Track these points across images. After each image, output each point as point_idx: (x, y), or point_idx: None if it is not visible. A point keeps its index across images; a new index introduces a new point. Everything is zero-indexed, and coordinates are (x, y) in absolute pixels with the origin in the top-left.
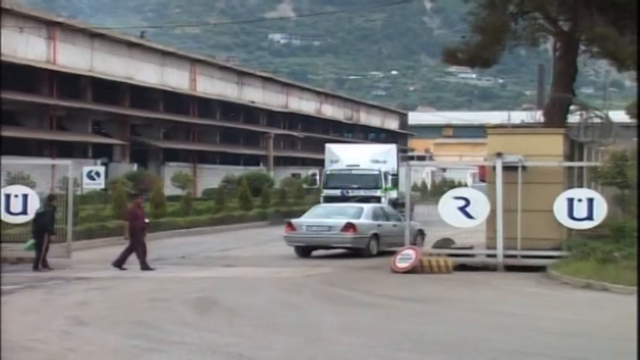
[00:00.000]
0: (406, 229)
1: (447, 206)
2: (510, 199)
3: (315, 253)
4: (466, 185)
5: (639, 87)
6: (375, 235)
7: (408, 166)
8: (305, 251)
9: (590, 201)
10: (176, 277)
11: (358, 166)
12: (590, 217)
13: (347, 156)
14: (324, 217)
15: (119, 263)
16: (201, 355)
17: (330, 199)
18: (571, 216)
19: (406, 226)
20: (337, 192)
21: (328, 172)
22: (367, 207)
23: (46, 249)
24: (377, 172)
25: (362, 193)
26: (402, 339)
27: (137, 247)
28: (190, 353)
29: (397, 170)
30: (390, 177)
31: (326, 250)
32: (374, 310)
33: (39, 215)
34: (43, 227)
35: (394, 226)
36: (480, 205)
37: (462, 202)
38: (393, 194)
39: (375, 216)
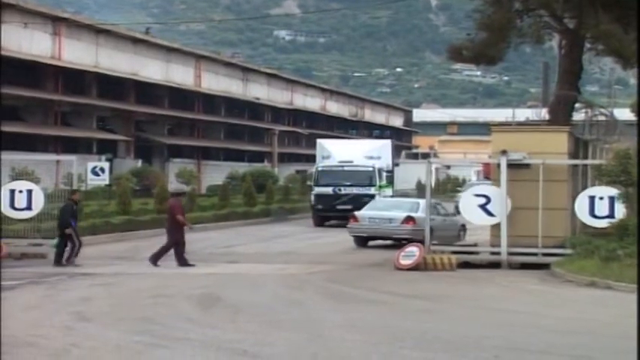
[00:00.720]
0: (426, 226)
1: (468, 204)
2: (514, 197)
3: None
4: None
5: (639, 86)
6: (430, 228)
7: (429, 162)
8: (364, 241)
9: (612, 199)
10: (180, 273)
11: (351, 162)
12: (611, 215)
13: (339, 152)
14: (384, 210)
15: (155, 259)
16: (205, 352)
17: (321, 198)
18: (592, 214)
19: (426, 223)
20: (329, 189)
21: (320, 169)
22: (422, 201)
23: (66, 244)
24: (371, 169)
25: (355, 190)
26: (405, 336)
27: (176, 244)
28: (194, 349)
29: (392, 167)
30: (384, 174)
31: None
32: (377, 308)
33: (60, 210)
34: (63, 222)
35: (444, 220)
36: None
37: (483, 200)
38: (388, 192)
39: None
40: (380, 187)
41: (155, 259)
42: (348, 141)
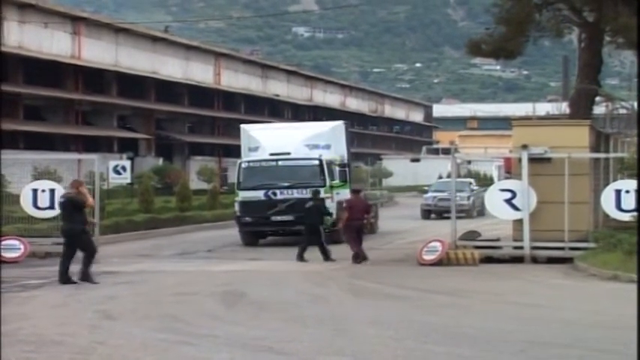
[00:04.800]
0: (452, 220)
1: (493, 198)
2: (535, 191)
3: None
4: (491, 178)
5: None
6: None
7: (453, 157)
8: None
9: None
10: (203, 270)
11: (288, 154)
12: (638, 209)
13: (271, 140)
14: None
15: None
16: (230, 348)
17: (248, 207)
18: (619, 207)
19: (452, 218)
20: (259, 194)
21: (244, 166)
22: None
23: None
24: (316, 163)
25: (295, 194)
26: (429, 331)
27: (355, 241)
28: (219, 346)
29: (348, 159)
30: (337, 169)
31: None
32: (401, 303)
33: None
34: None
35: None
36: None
37: (509, 195)
38: (344, 194)
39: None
40: (331, 187)
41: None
42: (282, 125)
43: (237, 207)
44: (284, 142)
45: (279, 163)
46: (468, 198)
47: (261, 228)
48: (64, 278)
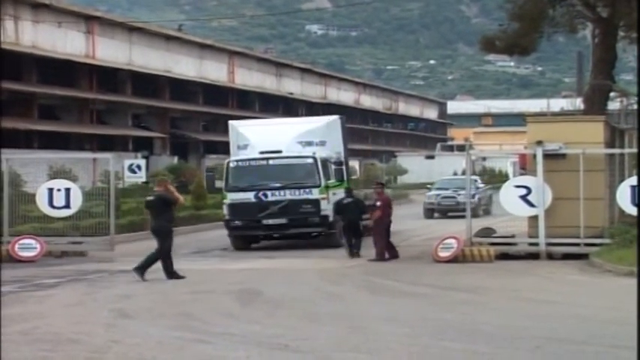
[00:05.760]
0: (467, 218)
1: (509, 195)
2: (551, 187)
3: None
4: (507, 174)
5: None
6: None
7: (468, 154)
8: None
9: None
10: (218, 269)
11: (280, 152)
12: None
13: (261, 137)
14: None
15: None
16: (246, 346)
17: (238, 209)
18: (634, 203)
19: (467, 216)
20: (249, 195)
21: (232, 165)
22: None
23: None
24: (310, 161)
25: (288, 195)
26: (445, 328)
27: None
28: (235, 344)
29: (345, 156)
30: (332, 167)
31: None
32: (417, 300)
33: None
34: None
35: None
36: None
37: (524, 191)
38: (341, 194)
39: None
40: (327, 187)
41: (387, 254)
42: (273, 120)
43: (225, 210)
44: (275, 139)
45: (270, 162)
46: (473, 196)
47: (251, 232)
48: (172, 274)
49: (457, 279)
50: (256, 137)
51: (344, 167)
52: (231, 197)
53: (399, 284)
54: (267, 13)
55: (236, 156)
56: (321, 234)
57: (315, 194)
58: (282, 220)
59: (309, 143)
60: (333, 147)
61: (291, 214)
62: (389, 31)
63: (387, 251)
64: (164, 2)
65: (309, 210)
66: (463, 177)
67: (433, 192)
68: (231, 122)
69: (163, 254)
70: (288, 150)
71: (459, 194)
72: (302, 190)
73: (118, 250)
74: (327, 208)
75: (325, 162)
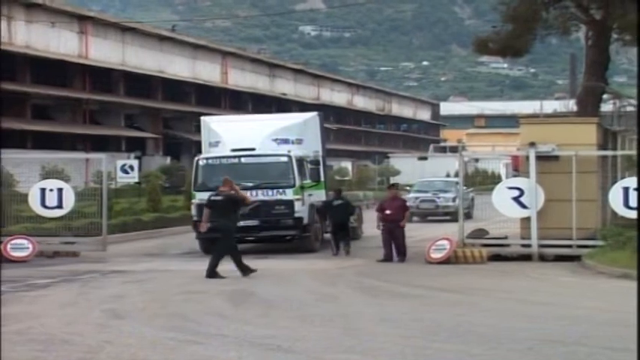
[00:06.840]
0: (460, 219)
1: (501, 196)
2: (543, 189)
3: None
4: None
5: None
6: None
7: (461, 156)
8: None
9: None
10: None
11: (252, 149)
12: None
13: (233, 134)
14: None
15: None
16: (238, 347)
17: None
18: (626, 205)
19: (460, 216)
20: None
21: (202, 163)
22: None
23: None
24: (285, 160)
25: (261, 195)
26: (438, 329)
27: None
28: (227, 345)
29: (323, 155)
30: (308, 166)
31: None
32: (409, 301)
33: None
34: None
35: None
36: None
37: (516, 192)
38: (318, 194)
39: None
40: (302, 187)
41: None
42: (247, 117)
43: (193, 210)
44: (248, 137)
45: (242, 160)
46: (454, 199)
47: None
48: (245, 270)
49: (450, 280)
50: (228, 134)
51: (321, 167)
52: (200, 197)
53: (391, 285)
54: (261, 13)
55: (207, 153)
56: (294, 237)
57: (289, 195)
58: (254, 222)
59: (285, 141)
60: (311, 145)
61: (263, 215)
62: (382, 32)
63: (387, 252)
64: (157, 2)
65: (283, 211)
66: (444, 179)
67: (412, 195)
68: (203, 118)
69: (229, 252)
70: (262, 148)
71: (439, 197)
72: (275, 191)
73: (111, 251)
74: (301, 210)
75: (301, 161)
